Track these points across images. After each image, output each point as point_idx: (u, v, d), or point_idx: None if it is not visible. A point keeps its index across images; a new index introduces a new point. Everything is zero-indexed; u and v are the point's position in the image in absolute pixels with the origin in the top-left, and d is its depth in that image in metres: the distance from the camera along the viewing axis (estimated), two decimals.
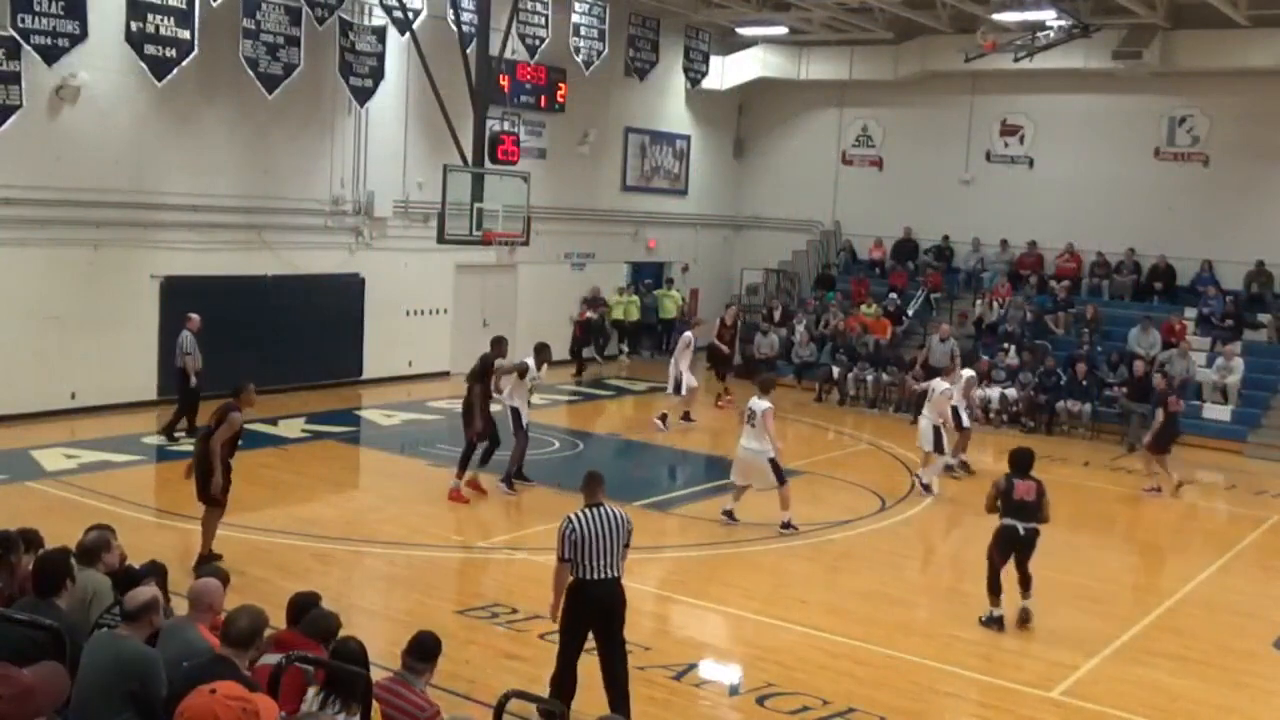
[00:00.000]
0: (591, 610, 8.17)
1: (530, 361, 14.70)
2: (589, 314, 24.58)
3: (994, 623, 10.78)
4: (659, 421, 19.40)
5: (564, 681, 8.20)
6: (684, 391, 19.67)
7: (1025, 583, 10.90)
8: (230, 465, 11.25)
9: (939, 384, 16.27)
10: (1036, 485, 10.94)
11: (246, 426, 15.39)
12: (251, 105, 18.90)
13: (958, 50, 23.64)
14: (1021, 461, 11.12)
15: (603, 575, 8.08)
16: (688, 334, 20.37)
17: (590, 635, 8.28)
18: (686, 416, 20.03)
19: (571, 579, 8.13)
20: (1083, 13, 21.73)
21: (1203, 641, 10.92)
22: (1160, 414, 16.82)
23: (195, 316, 16.76)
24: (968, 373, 18.22)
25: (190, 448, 15.77)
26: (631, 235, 27.48)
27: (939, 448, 15.77)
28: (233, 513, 12.77)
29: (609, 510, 8.23)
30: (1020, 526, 10.82)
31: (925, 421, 15.90)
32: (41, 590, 6.25)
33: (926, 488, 15.73)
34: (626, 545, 8.25)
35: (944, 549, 14.13)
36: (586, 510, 8.21)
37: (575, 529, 8.07)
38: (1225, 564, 13.73)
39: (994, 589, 10.81)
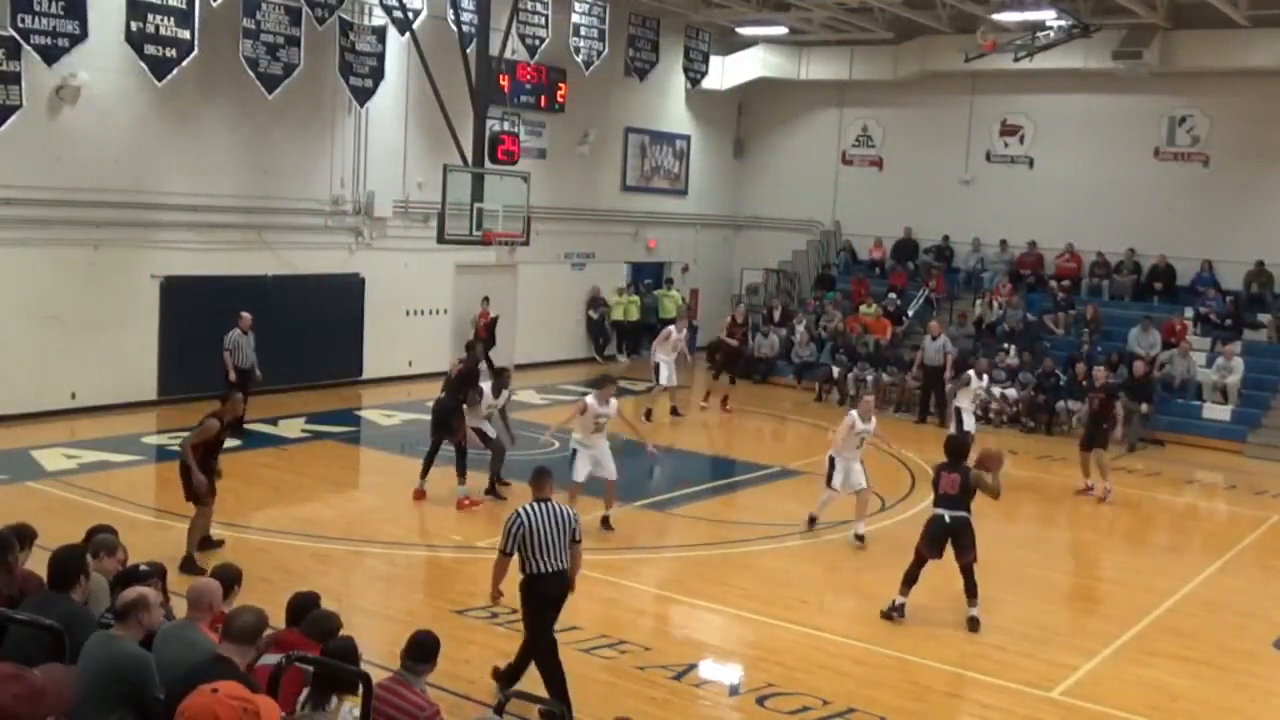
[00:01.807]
0: (546, 601, 8.35)
1: (486, 387, 14.42)
2: (491, 314, 22.86)
3: (895, 610, 10.84)
4: (643, 418, 19.65)
5: (550, 669, 8.33)
6: (661, 381, 19.87)
7: (969, 588, 10.85)
8: (214, 468, 11.32)
9: (850, 416, 13.59)
10: (960, 478, 10.92)
11: (248, 427, 15.46)
12: (251, 105, 18.90)
13: (958, 50, 23.64)
14: (951, 451, 11.28)
15: (553, 568, 8.25)
16: (669, 328, 20.54)
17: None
18: (648, 415, 19.84)
19: (523, 574, 8.28)
20: (1083, 13, 21.73)
21: (1203, 641, 10.92)
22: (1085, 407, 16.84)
23: (246, 315, 16.88)
24: (969, 373, 17.50)
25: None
26: (631, 235, 27.48)
27: (829, 479, 13.37)
28: (233, 513, 12.83)
29: (555, 505, 8.40)
30: (946, 514, 10.91)
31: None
32: (56, 584, 6.27)
33: (811, 520, 13.72)
34: (575, 541, 8.40)
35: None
36: (535, 505, 8.35)
37: (523, 523, 8.21)
38: (1225, 564, 13.73)
39: (908, 579, 10.91)
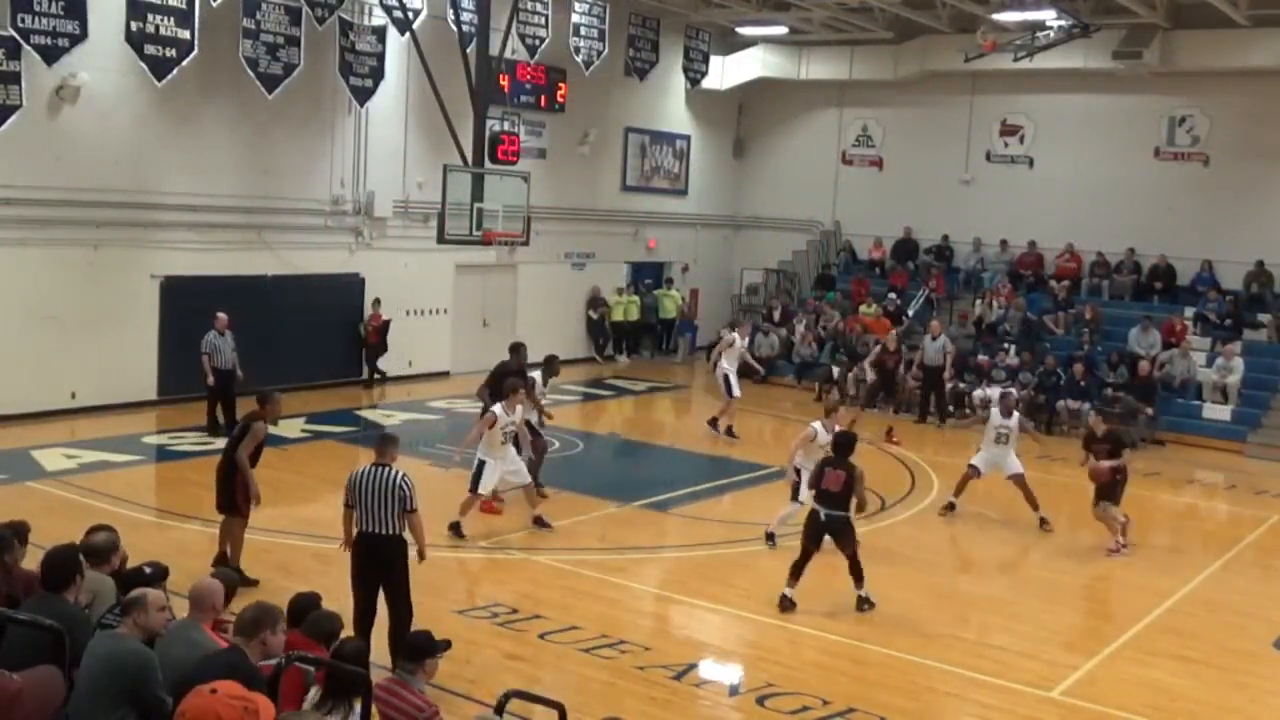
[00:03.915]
0: (368, 559, 8.88)
1: (538, 376, 14.57)
2: (384, 317, 21.47)
3: (785, 602, 10.86)
4: (718, 431, 18.69)
5: (361, 618, 8.82)
6: (735, 394, 18.67)
7: (854, 573, 10.98)
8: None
9: (812, 427, 13.05)
10: (845, 476, 10.85)
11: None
12: (251, 105, 18.90)
13: (958, 50, 23.63)
14: (840, 447, 11.19)
15: (374, 529, 8.79)
16: (731, 335, 19.34)
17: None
18: (730, 431, 18.86)
19: (355, 529, 8.94)
20: (1083, 13, 21.73)
21: (1203, 641, 10.92)
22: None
23: (222, 316, 16.86)
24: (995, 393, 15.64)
25: (188, 449, 15.96)
26: (631, 235, 27.48)
27: (795, 492, 12.79)
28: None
29: (390, 473, 8.86)
30: (822, 512, 10.91)
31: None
32: (51, 585, 6.26)
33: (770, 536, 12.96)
34: (407, 510, 8.81)
35: (943, 549, 14.11)
36: (369, 468, 8.93)
37: (351, 481, 8.91)
38: (1225, 564, 13.74)
39: (794, 571, 10.95)
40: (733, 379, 18.81)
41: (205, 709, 4.51)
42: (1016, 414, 15.05)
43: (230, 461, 10.81)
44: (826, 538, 11.06)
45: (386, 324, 21.47)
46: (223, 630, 6.34)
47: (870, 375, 21.49)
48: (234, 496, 10.81)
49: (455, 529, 12.61)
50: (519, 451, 13.41)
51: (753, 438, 20.43)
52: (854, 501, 11.00)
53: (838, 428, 12.76)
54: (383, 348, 21.54)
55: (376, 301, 21.55)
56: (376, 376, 21.62)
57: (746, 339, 19.94)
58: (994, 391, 21.38)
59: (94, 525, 7.51)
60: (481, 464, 12.69)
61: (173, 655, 5.76)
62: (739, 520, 13.93)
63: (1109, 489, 13.65)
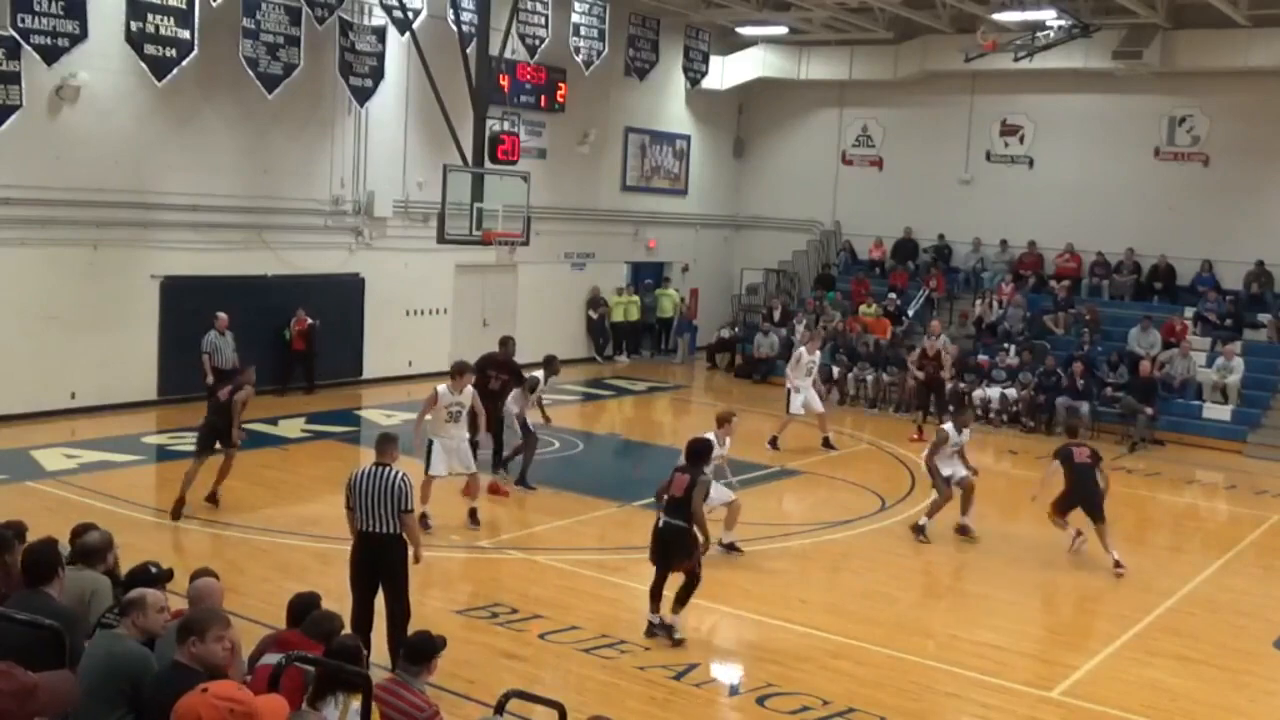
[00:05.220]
0: (367, 559, 8.86)
1: (539, 375, 14.75)
2: (311, 321, 20.16)
3: (658, 629, 9.96)
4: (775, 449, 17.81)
5: (359, 618, 8.83)
6: (791, 410, 18.04)
7: (680, 593, 9.91)
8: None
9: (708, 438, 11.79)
10: (689, 481, 9.93)
11: (247, 427, 15.65)
12: (251, 105, 18.90)
13: (958, 50, 23.63)
14: (690, 453, 10.35)
15: (372, 529, 8.76)
16: (800, 349, 18.63)
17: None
18: (827, 443, 18.44)
19: (356, 529, 8.93)
20: (1083, 13, 21.73)
21: (1203, 641, 10.91)
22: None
23: (223, 316, 16.93)
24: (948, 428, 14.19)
25: (188, 448, 15.95)
26: (631, 235, 27.48)
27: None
28: (233, 513, 12.87)
29: (389, 472, 8.81)
30: (662, 519, 10.04)
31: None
32: (33, 580, 6.24)
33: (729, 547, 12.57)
34: (403, 510, 8.77)
35: (944, 549, 14.09)
36: (369, 468, 8.88)
37: (351, 481, 8.87)
38: (1225, 564, 13.73)
39: (652, 595, 10.02)
40: (794, 395, 17.99)
41: (190, 709, 4.46)
42: (967, 431, 14.30)
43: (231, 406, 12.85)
44: None
45: (313, 328, 20.17)
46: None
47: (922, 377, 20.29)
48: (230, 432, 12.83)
49: (423, 519, 12.25)
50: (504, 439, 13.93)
51: (752, 438, 20.42)
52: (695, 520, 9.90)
53: (728, 440, 12.57)
54: (311, 355, 20.28)
55: (301, 308, 20.16)
56: (303, 386, 20.17)
57: (815, 353, 18.74)
58: (994, 391, 21.47)
59: (80, 524, 7.47)
60: (430, 443, 12.65)
61: (172, 656, 5.74)
62: (739, 520, 13.89)
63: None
